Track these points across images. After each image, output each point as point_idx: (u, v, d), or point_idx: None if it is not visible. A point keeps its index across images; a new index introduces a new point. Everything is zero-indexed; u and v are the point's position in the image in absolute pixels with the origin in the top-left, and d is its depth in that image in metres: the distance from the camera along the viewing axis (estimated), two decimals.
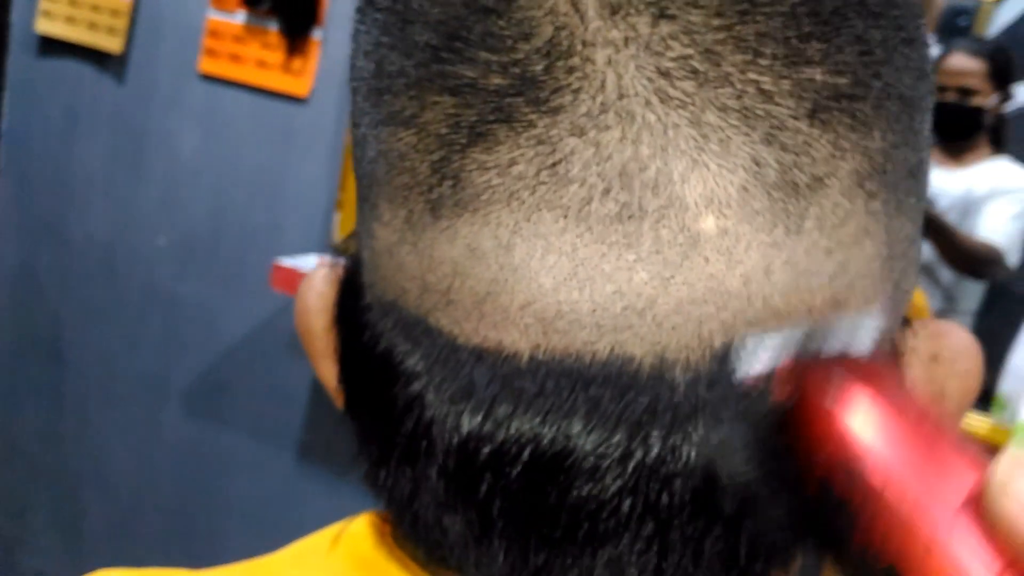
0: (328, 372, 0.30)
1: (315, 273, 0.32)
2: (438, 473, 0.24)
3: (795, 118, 0.22)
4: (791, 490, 0.21)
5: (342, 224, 1.39)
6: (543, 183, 0.22)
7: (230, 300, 1.55)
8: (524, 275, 0.23)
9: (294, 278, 1.29)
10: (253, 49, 1.45)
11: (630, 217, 0.22)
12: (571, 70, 0.22)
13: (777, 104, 0.22)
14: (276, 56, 1.43)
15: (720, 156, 0.22)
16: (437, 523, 0.25)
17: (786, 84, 0.22)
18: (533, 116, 0.22)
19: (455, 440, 0.24)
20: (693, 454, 0.22)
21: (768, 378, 0.21)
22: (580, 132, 0.22)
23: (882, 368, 0.21)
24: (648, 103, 0.22)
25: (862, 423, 0.20)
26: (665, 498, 0.22)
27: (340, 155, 1.42)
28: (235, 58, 1.46)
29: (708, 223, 0.22)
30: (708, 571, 0.23)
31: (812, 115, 0.22)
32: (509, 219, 0.23)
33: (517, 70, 0.22)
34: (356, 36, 0.28)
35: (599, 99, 0.22)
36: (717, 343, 0.22)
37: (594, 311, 0.22)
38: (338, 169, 1.42)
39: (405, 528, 0.27)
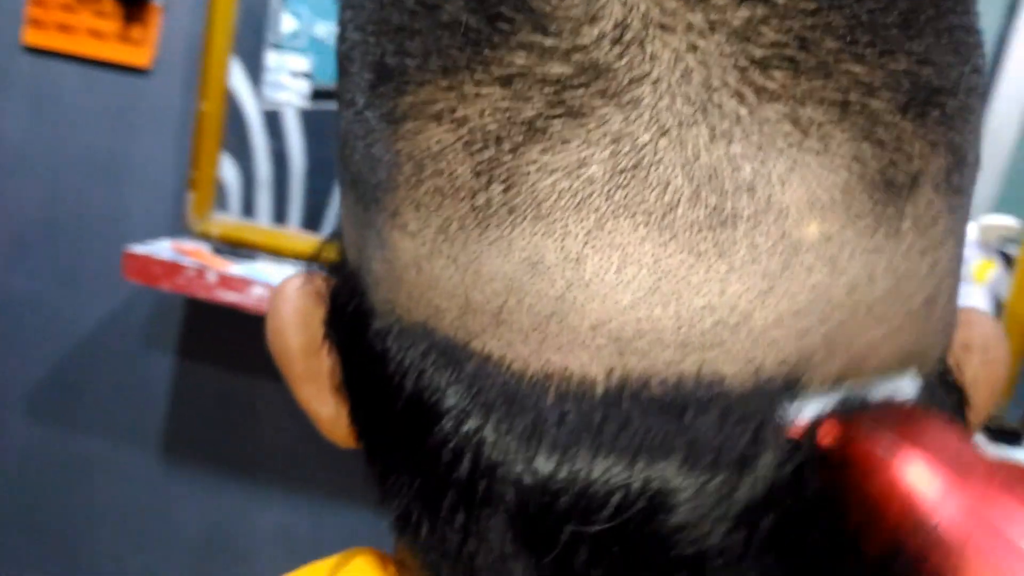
0: (311, 397, 0.28)
1: (288, 285, 0.28)
2: (505, 523, 0.21)
3: (891, 112, 0.20)
4: (850, 543, 0.20)
5: (195, 205, 1.31)
6: (621, 187, 0.20)
7: (73, 294, 1.43)
8: (598, 291, 0.20)
9: (149, 266, 1.21)
10: (85, 18, 1.32)
11: (722, 223, 0.20)
12: (651, 57, 0.19)
13: (874, 97, 0.20)
14: (111, 24, 1.31)
15: (821, 155, 0.20)
16: (495, 572, 0.23)
17: (880, 75, 0.20)
18: (606, 110, 0.20)
19: (526, 487, 0.21)
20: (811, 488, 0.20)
21: (815, 425, 0.20)
22: (662, 129, 0.20)
23: (936, 414, 0.20)
24: (740, 96, 0.19)
25: (925, 479, 0.19)
26: (775, 533, 0.21)
27: (189, 129, 1.33)
28: (64, 28, 1.33)
29: (811, 229, 0.20)
30: None
31: (906, 108, 0.20)
32: (579, 228, 0.20)
33: (581, 57, 0.20)
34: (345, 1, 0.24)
35: (684, 91, 0.19)
36: (818, 358, 0.21)
37: (679, 328, 0.20)
38: (187, 145, 1.33)
39: (440, 572, 0.24)
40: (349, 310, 0.25)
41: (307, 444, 1.39)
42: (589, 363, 0.21)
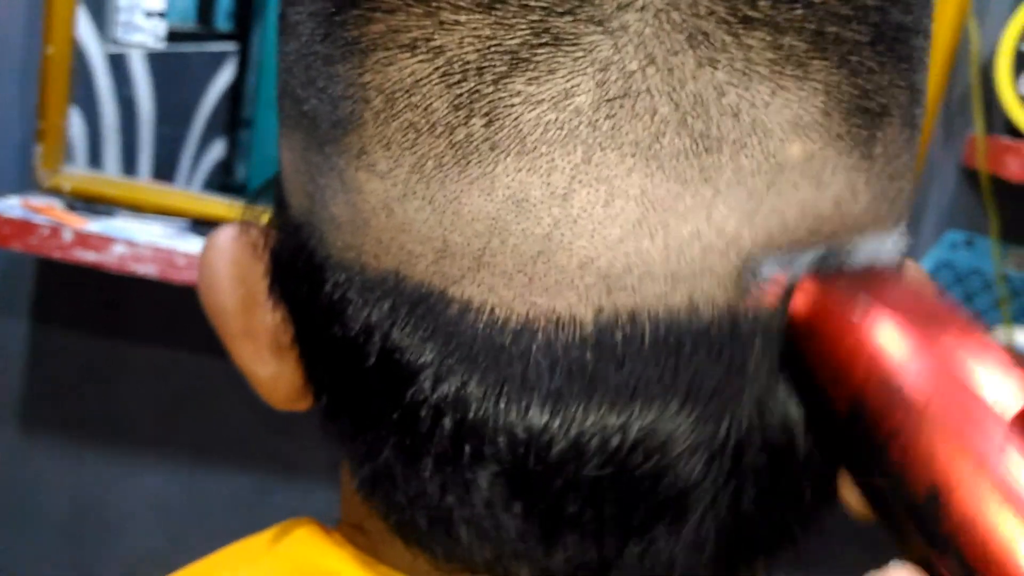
0: (248, 356, 0.26)
1: (219, 236, 0.27)
2: (495, 476, 0.21)
3: (863, 44, 0.21)
4: (821, 411, 0.20)
5: (44, 158, 1.21)
6: (608, 117, 0.19)
7: None
8: (586, 227, 0.20)
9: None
10: None
11: (707, 149, 0.20)
12: None
13: (848, 28, 0.20)
14: None
15: (801, 79, 0.20)
16: (483, 524, 0.22)
17: (853, 8, 0.20)
18: (593, 37, 0.19)
19: (519, 439, 0.20)
20: (780, 409, 0.21)
21: (788, 293, 0.20)
22: (650, 57, 0.19)
23: (904, 280, 0.21)
24: (726, 23, 0.19)
25: (894, 339, 0.18)
26: (749, 459, 0.21)
27: (35, 74, 1.22)
28: None
29: (795, 148, 0.20)
30: (778, 522, 0.22)
31: (875, 43, 0.21)
32: (565, 162, 0.19)
33: None
34: None
35: (671, 17, 0.19)
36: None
37: (668, 258, 0.20)
38: (34, 92, 1.23)
39: (416, 530, 0.23)
40: (300, 262, 0.24)
41: (176, 408, 1.33)
42: (577, 303, 0.20)
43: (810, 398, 0.20)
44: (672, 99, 0.19)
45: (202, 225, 1.12)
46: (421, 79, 0.20)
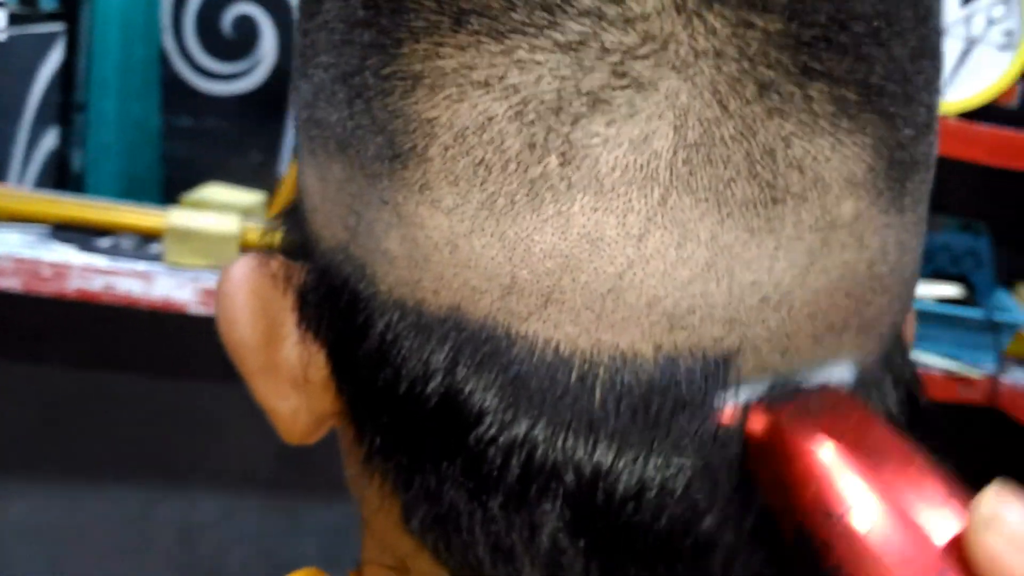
0: (269, 392, 0.26)
1: (237, 269, 0.26)
2: (560, 514, 0.21)
3: (899, 93, 0.21)
4: (767, 534, 0.21)
5: None
6: (686, 162, 0.20)
7: None
8: (657, 267, 0.20)
9: None
10: None
11: (773, 200, 0.20)
12: (711, 31, 0.19)
13: (888, 80, 0.21)
14: None
15: (854, 133, 0.21)
16: (547, 561, 0.22)
17: (889, 59, 0.21)
18: (672, 82, 0.20)
19: (584, 478, 0.21)
20: None
21: (744, 411, 0.21)
22: (723, 104, 0.20)
23: (855, 409, 0.21)
24: (789, 73, 0.20)
25: (838, 470, 0.19)
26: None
27: None
28: None
29: (847, 206, 0.21)
30: None
31: (908, 93, 0.22)
32: (642, 204, 0.20)
33: (646, 26, 0.19)
34: None
35: (743, 66, 0.20)
36: (853, 329, 0.22)
37: (729, 304, 0.21)
38: None
39: (479, 568, 0.24)
40: (344, 300, 0.23)
41: (50, 430, 1.27)
42: (640, 340, 0.20)
43: (762, 519, 0.21)
44: (744, 148, 0.20)
45: (65, 231, 1.06)
46: (494, 117, 0.20)
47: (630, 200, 0.20)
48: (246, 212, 1.09)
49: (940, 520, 0.17)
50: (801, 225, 0.21)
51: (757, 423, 0.20)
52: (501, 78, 0.20)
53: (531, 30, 0.20)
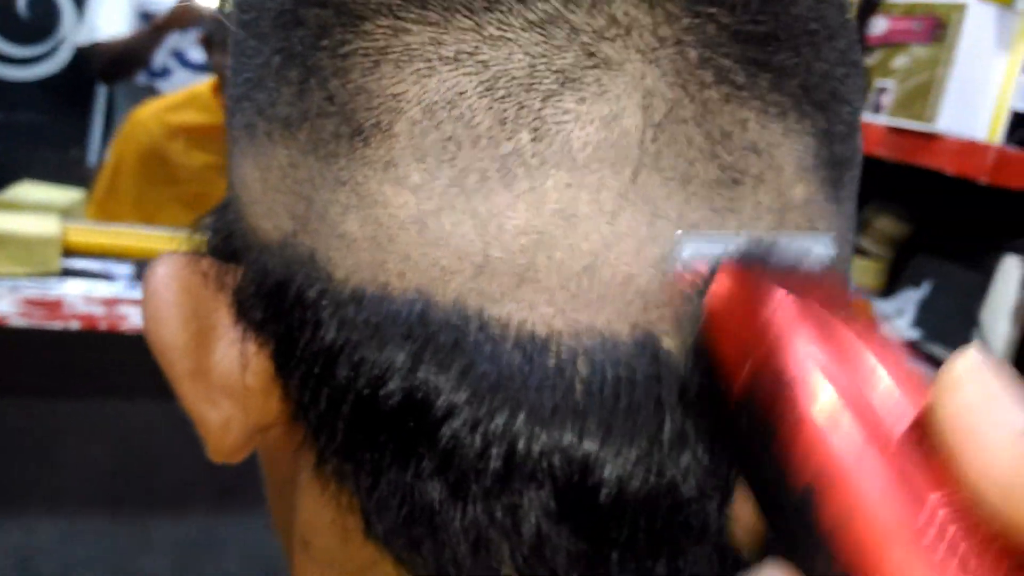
0: (198, 398, 0.24)
1: (163, 268, 0.24)
2: (545, 504, 0.21)
3: (837, 92, 0.23)
4: (720, 399, 0.20)
5: None
6: (654, 140, 0.20)
7: None
8: (631, 246, 0.20)
9: None
10: None
11: (733, 180, 0.21)
12: (673, 18, 0.20)
13: (827, 78, 0.22)
14: None
15: (800, 122, 0.22)
16: (530, 552, 0.21)
17: (828, 59, 0.22)
18: (639, 65, 0.20)
19: (568, 465, 0.20)
20: None
21: (708, 278, 0.21)
22: (685, 87, 0.20)
23: (823, 280, 0.21)
24: (740, 62, 0.21)
25: (796, 328, 0.18)
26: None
27: None
28: None
29: (799, 190, 0.22)
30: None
31: (838, 92, 0.23)
32: (615, 180, 0.20)
33: (611, 11, 0.20)
34: None
35: (702, 54, 0.20)
36: None
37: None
38: None
39: (457, 567, 0.22)
40: (290, 294, 0.22)
41: None
42: (616, 319, 0.20)
43: (712, 390, 0.20)
44: (703, 130, 0.20)
45: None
46: (464, 92, 0.20)
47: (603, 177, 0.20)
48: (65, 212, 1.00)
49: (894, 398, 0.17)
50: (760, 206, 0.21)
51: (721, 286, 0.20)
52: (471, 53, 0.20)
53: (502, 7, 0.20)
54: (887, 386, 0.17)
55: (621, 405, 0.20)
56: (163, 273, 0.24)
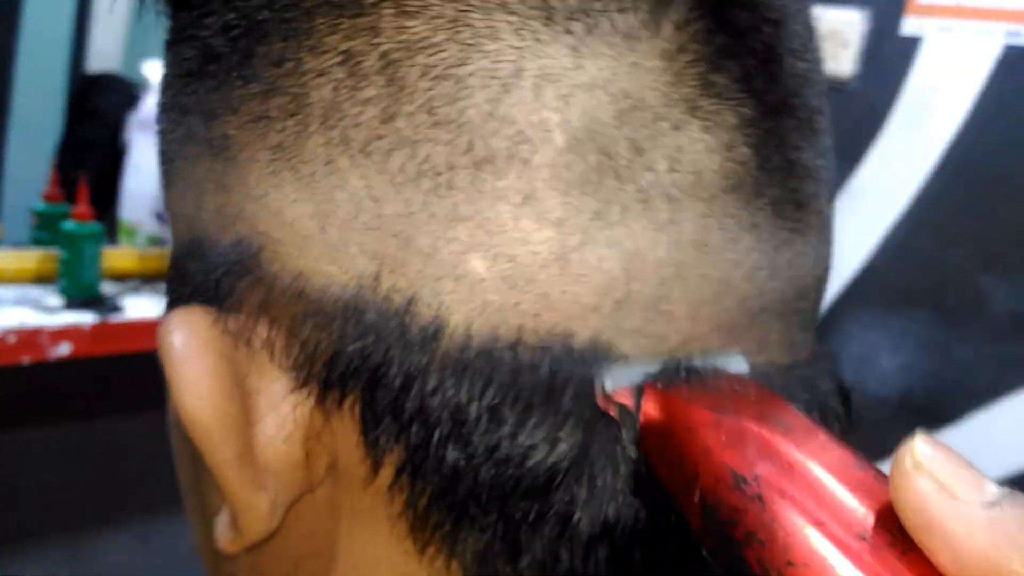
0: (247, 483, 0.20)
1: (182, 328, 0.20)
2: (596, 544, 0.20)
3: (825, 131, 0.24)
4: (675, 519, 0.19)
5: None
6: (758, 167, 0.20)
7: None
8: (748, 271, 0.21)
9: None
10: None
11: (798, 204, 0.22)
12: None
13: (819, 112, 0.23)
14: None
15: (821, 155, 0.23)
16: None
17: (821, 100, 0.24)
18: (742, 97, 0.20)
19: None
20: None
21: (638, 394, 0.20)
22: (768, 125, 0.21)
23: (758, 384, 0.20)
24: (791, 98, 0.22)
25: (747, 432, 0.18)
26: None
27: None
28: None
29: (827, 208, 0.24)
30: None
31: (826, 131, 0.24)
32: (736, 208, 0.20)
33: (720, 41, 0.20)
34: None
35: (776, 97, 0.21)
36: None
37: (782, 300, 0.22)
38: None
39: None
40: (387, 345, 0.19)
41: None
42: (750, 343, 0.21)
43: (662, 509, 0.20)
44: (782, 156, 0.21)
45: None
46: (602, 120, 0.19)
47: (726, 205, 0.20)
48: None
49: (856, 479, 0.17)
50: (811, 226, 0.22)
51: (650, 407, 0.20)
52: (609, 81, 0.19)
53: (637, 35, 0.19)
54: (844, 492, 0.17)
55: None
56: (187, 335, 0.20)
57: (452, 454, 0.19)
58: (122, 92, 1.36)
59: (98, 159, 1.29)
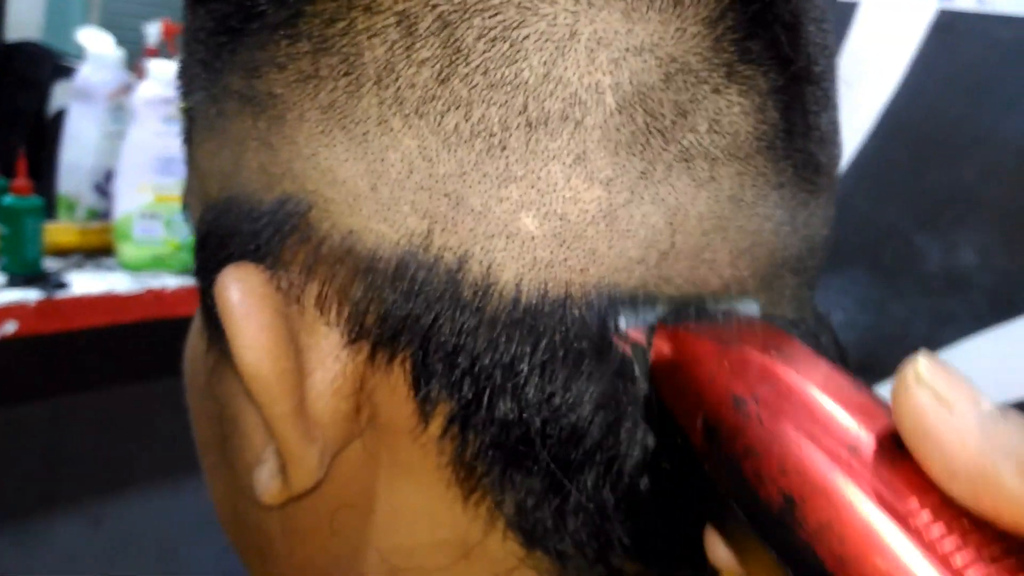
0: (301, 437, 0.21)
1: (238, 284, 0.21)
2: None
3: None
4: (681, 446, 0.20)
5: None
6: (785, 130, 0.22)
7: None
8: (775, 226, 0.22)
9: None
10: None
11: (817, 168, 0.23)
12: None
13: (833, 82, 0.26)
14: None
15: (834, 122, 0.26)
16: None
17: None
18: (771, 64, 0.21)
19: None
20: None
21: (648, 340, 0.21)
22: (793, 90, 0.22)
23: (757, 325, 0.21)
24: (818, 72, 0.24)
25: (748, 358, 0.19)
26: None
27: None
28: None
29: (836, 174, 0.25)
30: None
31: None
32: (766, 168, 0.22)
33: (755, 8, 0.21)
34: None
35: (800, 65, 0.22)
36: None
37: (798, 257, 0.24)
38: None
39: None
40: (446, 296, 0.20)
41: None
42: (773, 291, 0.23)
43: (670, 437, 0.21)
44: (806, 121, 0.23)
45: None
46: (650, 83, 0.19)
47: (759, 164, 0.21)
48: None
49: (852, 401, 0.18)
50: (823, 190, 0.24)
51: (661, 344, 0.21)
52: (657, 44, 0.20)
53: (684, 2, 0.20)
54: (837, 410, 0.18)
55: None
56: (244, 292, 0.21)
57: (504, 407, 0.20)
58: (46, 61, 1.32)
59: (24, 130, 1.26)
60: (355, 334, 0.21)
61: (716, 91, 0.20)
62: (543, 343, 0.20)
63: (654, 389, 0.21)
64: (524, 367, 0.20)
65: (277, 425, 0.21)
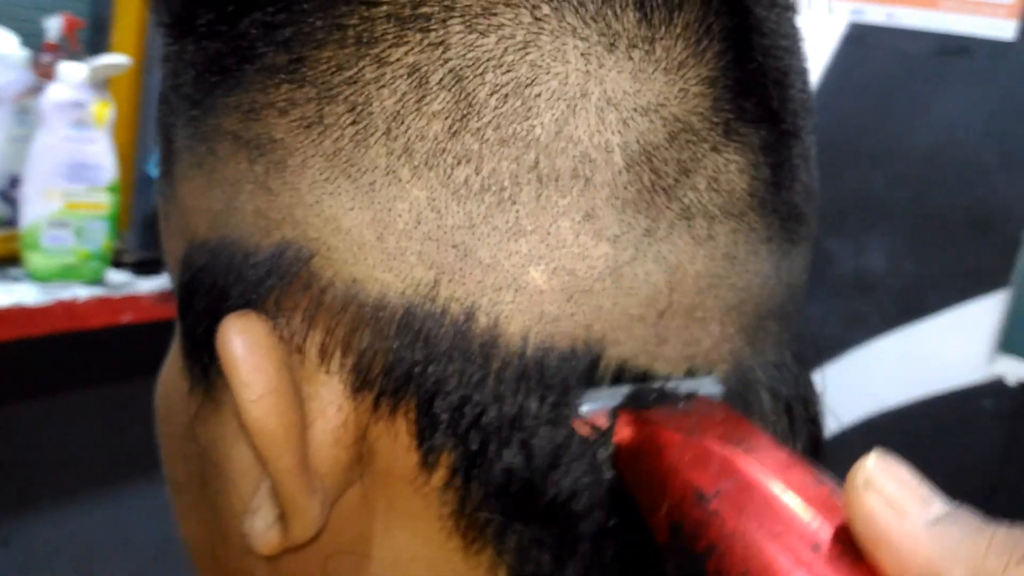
0: (304, 490, 0.21)
1: (241, 336, 0.20)
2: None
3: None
4: (645, 538, 0.21)
5: None
6: (774, 185, 0.22)
7: None
8: (762, 279, 0.22)
9: None
10: None
11: (798, 218, 0.24)
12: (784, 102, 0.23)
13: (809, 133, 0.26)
14: None
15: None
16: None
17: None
18: (762, 120, 0.22)
19: None
20: None
21: (612, 417, 0.21)
22: (781, 145, 0.23)
23: (718, 409, 0.22)
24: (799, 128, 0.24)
25: (710, 451, 0.19)
26: None
27: None
28: None
29: (814, 226, 0.25)
30: None
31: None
32: (757, 223, 0.22)
33: (751, 68, 0.22)
34: None
35: (789, 121, 0.23)
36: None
37: (780, 304, 0.24)
38: None
39: None
40: (451, 346, 0.20)
41: None
42: (765, 345, 0.23)
43: (635, 527, 0.21)
44: (790, 173, 0.23)
45: None
46: (656, 142, 0.20)
47: (751, 220, 0.22)
48: None
49: (813, 495, 0.18)
50: (804, 240, 0.24)
51: (624, 430, 0.21)
52: (662, 105, 0.20)
53: (689, 62, 0.20)
54: (800, 506, 0.18)
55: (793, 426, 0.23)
56: (249, 345, 0.20)
57: (510, 459, 0.20)
58: None
59: None
60: (359, 383, 0.21)
61: (715, 149, 0.21)
62: (550, 396, 0.20)
63: (617, 475, 0.21)
64: (530, 419, 0.20)
65: (282, 479, 0.21)
